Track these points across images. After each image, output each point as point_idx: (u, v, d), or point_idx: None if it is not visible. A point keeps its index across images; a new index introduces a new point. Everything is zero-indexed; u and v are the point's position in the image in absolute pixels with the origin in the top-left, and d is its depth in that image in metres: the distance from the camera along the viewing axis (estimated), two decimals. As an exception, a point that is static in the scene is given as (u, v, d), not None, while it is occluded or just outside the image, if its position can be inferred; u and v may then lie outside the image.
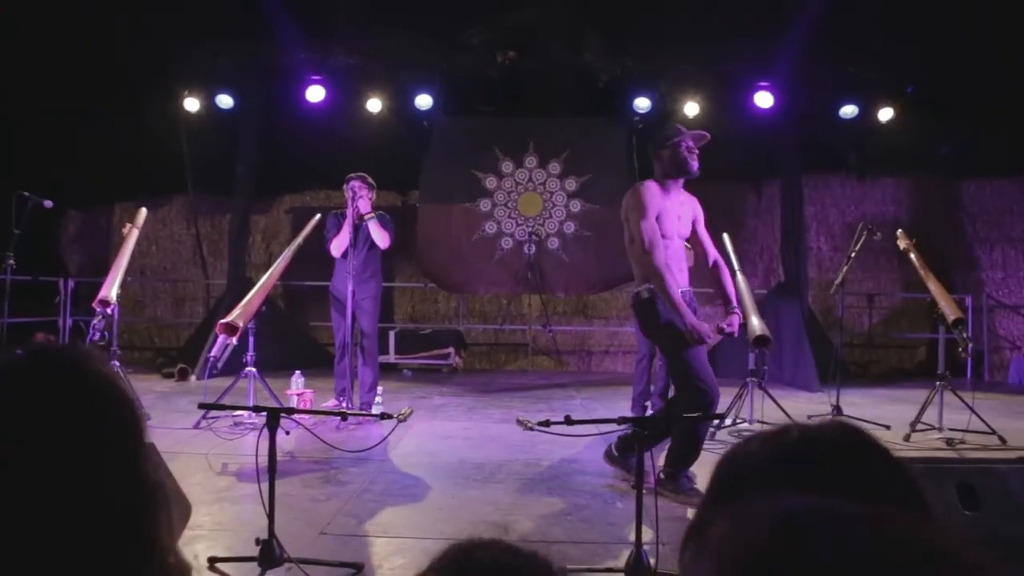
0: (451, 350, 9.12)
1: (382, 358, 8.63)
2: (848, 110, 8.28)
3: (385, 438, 4.00)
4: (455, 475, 4.36)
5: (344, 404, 5.86)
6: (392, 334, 9.12)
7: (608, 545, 3.22)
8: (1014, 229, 9.69)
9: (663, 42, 8.20)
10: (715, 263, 4.17)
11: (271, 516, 2.72)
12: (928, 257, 6.20)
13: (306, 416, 5.38)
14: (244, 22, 8.24)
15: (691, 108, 8.47)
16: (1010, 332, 9.65)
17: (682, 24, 8.09)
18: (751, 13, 7.72)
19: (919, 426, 5.59)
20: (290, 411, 2.75)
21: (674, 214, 3.97)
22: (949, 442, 5.33)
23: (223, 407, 2.86)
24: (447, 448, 5.08)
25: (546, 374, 9.54)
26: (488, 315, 10.23)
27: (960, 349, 5.61)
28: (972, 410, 5.40)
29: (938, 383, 5.69)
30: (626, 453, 3.99)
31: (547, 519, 3.59)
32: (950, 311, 5.63)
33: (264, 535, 2.75)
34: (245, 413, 5.13)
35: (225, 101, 8.64)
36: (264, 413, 2.72)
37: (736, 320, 3.93)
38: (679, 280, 3.91)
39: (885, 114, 8.32)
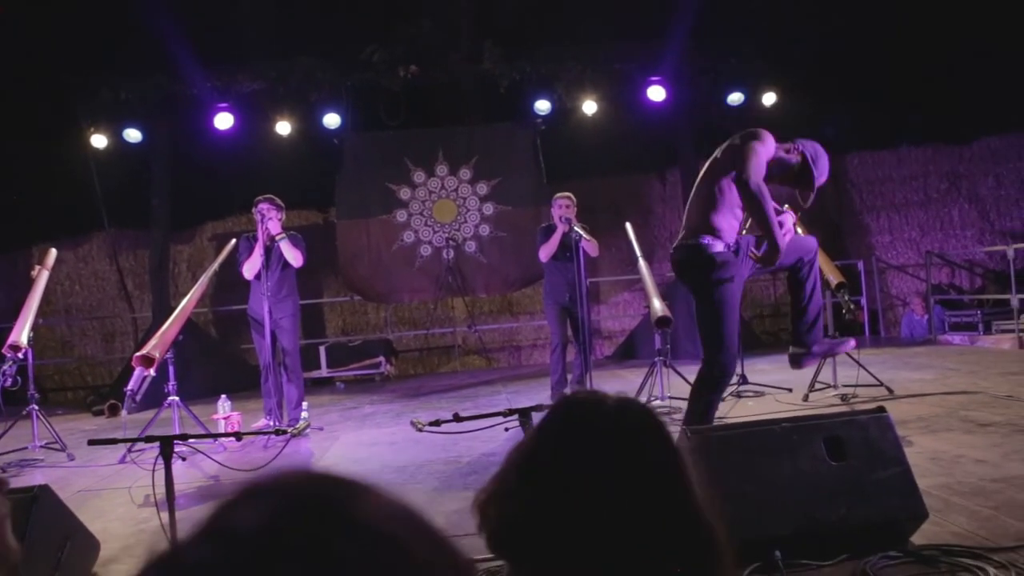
0: (381, 359, 9.31)
1: (315, 373, 8.81)
2: (735, 97, 8.76)
3: (277, 455, 4.13)
4: (376, 480, 4.40)
5: (272, 422, 6.02)
6: (322, 349, 9.28)
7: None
8: (895, 196, 10.36)
9: (557, 47, 8.55)
10: None
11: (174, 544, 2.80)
12: (824, 227, 6.59)
13: (232, 439, 5.56)
14: (144, 55, 8.32)
15: (589, 107, 8.83)
16: (900, 290, 10.32)
17: (574, 29, 8.46)
18: (636, 13, 8.12)
19: (817, 386, 5.98)
20: (183, 437, 2.87)
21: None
22: (843, 398, 5.70)
23: (114, 441, 2.98)
24: (371, 455, 5.22)
25: (476, 373, 9.79)
26: (418, 321, 10.45)
27: (844, 312, 6.04)
28: (860, 365, 5.81)
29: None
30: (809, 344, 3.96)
31: (460, 513, 3.61)
32: (832, 276, 6.06)
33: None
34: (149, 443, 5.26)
35: (133, 135, 8.69)
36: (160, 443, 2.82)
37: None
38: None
39: (769, 99, 8.82)
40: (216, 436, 4.10)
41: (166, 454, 2.85)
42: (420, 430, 3.23)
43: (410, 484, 4.35)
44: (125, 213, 9.74)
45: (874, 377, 5.83)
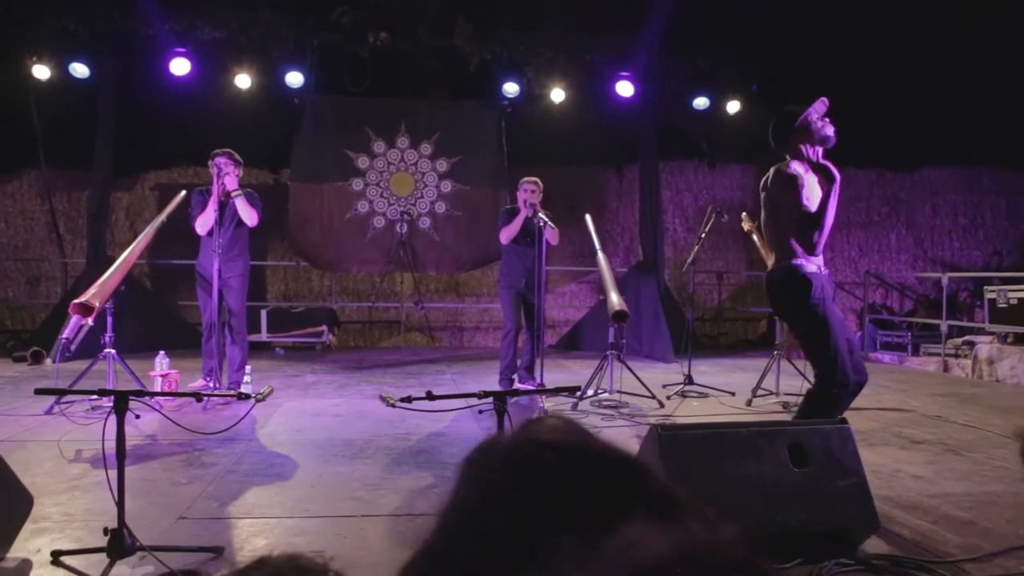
0: (324, 328, 9.14)
1: (254, 337, 8.57)
2: (700, 102, 8.89)
3: (240, 419, 3.96)
4: (323, 452, 4.38)
5: (212, 384, 5.82)
6: (264, 312, 9.04)
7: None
8: (840, 215, 10.66)
9: (531, 30, 8.47)
10: None
11: (120, 503, 2.60)
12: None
13: (168, 398, 5.35)
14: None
15: (557, 94, 8.81)
16: (838, 306, 10.70)
17: (549, 13, 8.40)
18: (614, 6, 8.12)
19: (759, 392, 6.15)
20: (140, 393, 2.71)
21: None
22: (785, 406, 5.89)
23: (64, 392, 2.75)
24: (316, 426, 5.10)
25: (419, 350, 9.72)
26: (362, 293, 10.29)
27: (795, 323, 6.19)
28: (804, 376, 5.96)
29: (775, 352, 6.27)
30: None
31: (413, 493, 3.67)
32: (836, 293, 6.20)
33: (116, 524, 2.61)
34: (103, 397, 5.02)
35: (80, 70, 8.22)
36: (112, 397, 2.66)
37: None
38: (818, 261, 3.84)
39: (733, 106, 8.98)
40: (173, 395, 3.90)
41: (120, 410, 2.69)
42: (392, 405, 3.14)
43: (360, 459, 4.29)
44: (63, 152, 9.22)
45: (813, 387, 6.01)
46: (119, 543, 2.58)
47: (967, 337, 8.33)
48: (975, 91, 9.52)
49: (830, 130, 3.80)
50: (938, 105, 9.51)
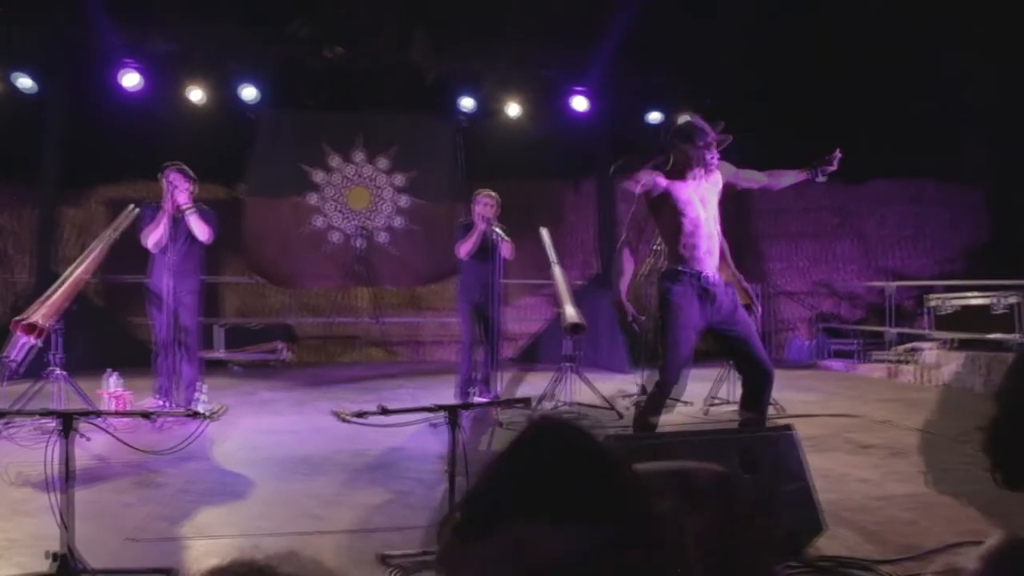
0: (281, 344, 9.05)
1: (210, 354, 8.45)
2: (654, 116, 9.04)
3: (192, 438, 3.84)
4: (280, 470, 4.33)
5: (164, 403, 5.72)
6: (220, 329, 8.91)
7: (429, 529, 3.29)
8: (791, 226, 11.02)
9: (488, 44, 8.54)
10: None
11: (67, 526, 2.57)
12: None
13: (119, 418, 5.22)
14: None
15: (513, 109, 8.89)
16: (790, 315, 10.97)
17: (506, 29, 8.48)
18: (570, 21, 8.23)
19: (714, 401, 6.26)
20: (86, 413, 2.66)
21: (696, 196, 3.89)
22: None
23: (8, 413, 2.68)
24: (273, 443, 5.05)
25: (378, 365, 9.67)
26: (319, 308, 10.20)
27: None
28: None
29: (729, 362, 6.37)
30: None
31: (370, 508, 3.66)
32: (739, 297, 6.33)
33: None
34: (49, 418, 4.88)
35: (24, 83, 8.04)
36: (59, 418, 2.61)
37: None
38: (707, 263, 3.87)
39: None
40: (124, 415, 3.82)
41: (67, 431, 2.65)
42: (345, 420, 3.12)
43: (317, 476, 4.25)
44: (8, 166, 8.97)
45: (765, 396, 6.14)
46: (65, 567, 2.53)
47: (912, 344, 8.59)
48: (920, 107, 9.84)
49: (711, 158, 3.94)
50: (886, 119, 9.80)
